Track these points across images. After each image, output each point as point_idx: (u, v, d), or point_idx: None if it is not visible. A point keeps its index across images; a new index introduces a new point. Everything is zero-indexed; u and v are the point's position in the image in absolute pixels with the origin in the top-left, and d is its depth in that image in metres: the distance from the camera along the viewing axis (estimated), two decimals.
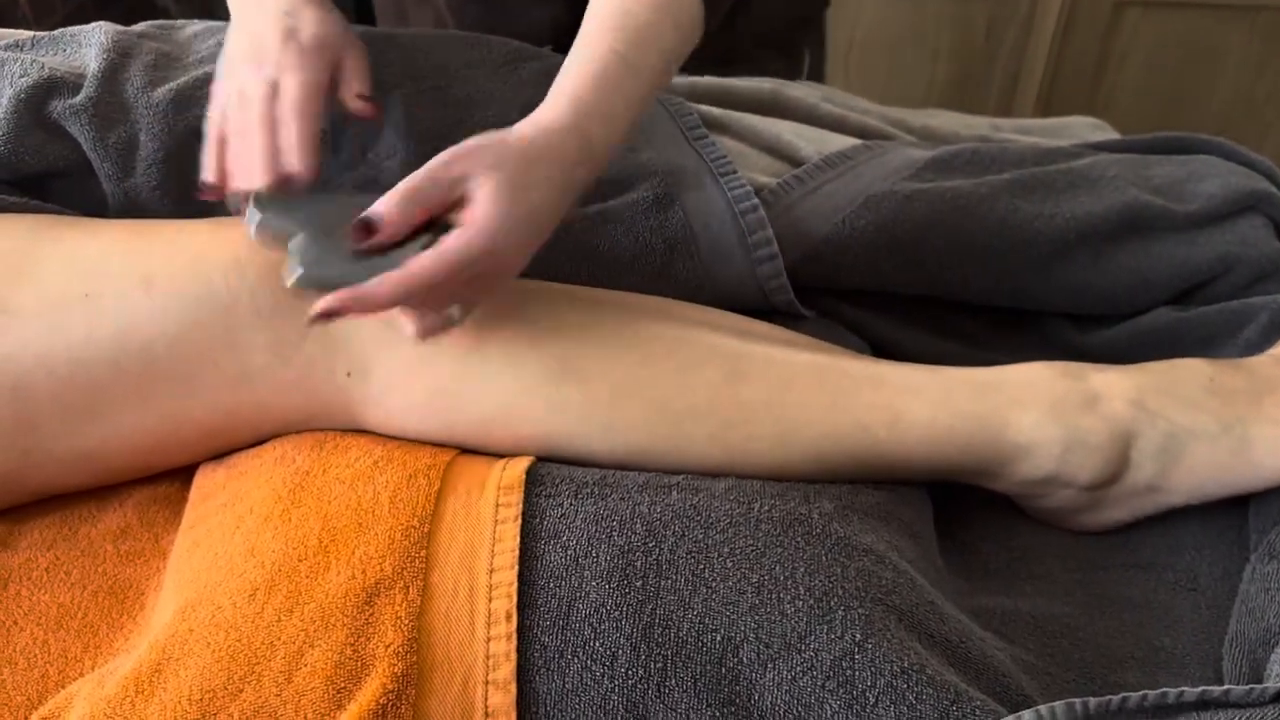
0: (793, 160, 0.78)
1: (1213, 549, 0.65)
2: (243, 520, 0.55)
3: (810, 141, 0.79)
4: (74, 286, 0.59)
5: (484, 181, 0.53)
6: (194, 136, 0.65)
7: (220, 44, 0.70)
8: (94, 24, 0.74)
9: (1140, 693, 0.50)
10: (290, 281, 0.53)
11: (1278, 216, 0.75)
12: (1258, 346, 0.69)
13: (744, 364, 0.61)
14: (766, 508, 0.55)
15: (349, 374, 0.60)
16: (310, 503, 0.55)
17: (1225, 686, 0.51)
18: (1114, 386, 0.62)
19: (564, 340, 0.60)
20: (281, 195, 0.57)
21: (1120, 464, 0.61)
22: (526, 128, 0.57)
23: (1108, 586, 0.62)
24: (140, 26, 0.76)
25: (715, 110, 0.81)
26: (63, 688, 0.55)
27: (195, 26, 0.77)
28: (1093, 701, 0.49)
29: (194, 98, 0.68)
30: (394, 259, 0.53)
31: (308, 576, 0.51)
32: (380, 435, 0.62)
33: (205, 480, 0.63)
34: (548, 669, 0.49)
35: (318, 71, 0.61)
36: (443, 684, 0.49)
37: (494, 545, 0.52)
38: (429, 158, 0.55)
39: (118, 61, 0.70)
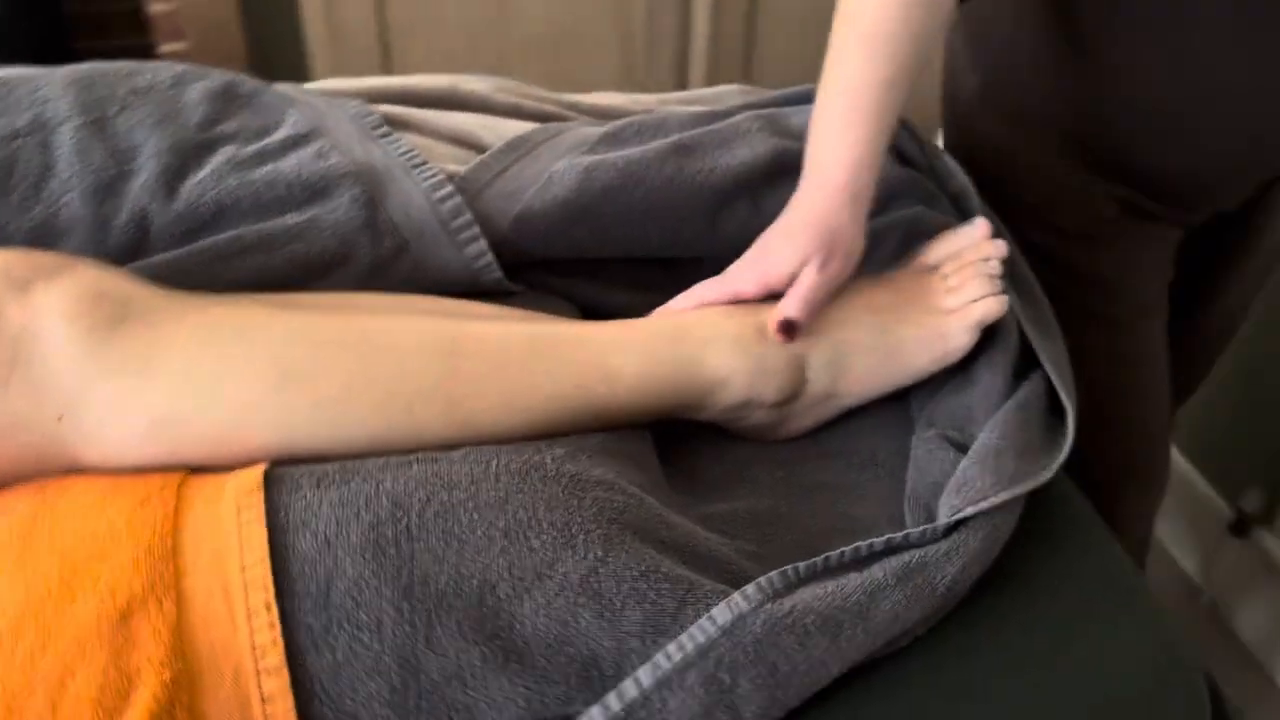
0: (477, 148, 0.83)
1: (886, 430, 0.76)
2: None
3: (490, 130, 0.84)
4: None
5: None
6: None
7: None
8: None
9: (838, 550, 0.59)
10: None
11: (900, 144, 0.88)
12: (896, 260, 0.81)
13: (461, 343, 0.65)
14: (504, 462, 0.60)
15: (60, 418, 0.59)
16: (43, 543, 0.54)
17: (905, 531, 0.61)
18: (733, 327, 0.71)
19: (280, 347, 0.61)
20: None
21: (799, 381, 0.71)
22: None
23: (805, 476, 0.72)
24: None
25: (395, 108, 0.85)
26: None
27: None
28: (802, 566, 0.58)
29: None
30: None
31: (54, 612, 0.51)
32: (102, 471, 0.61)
33: None
34: (316, 647, 0.52)
35: None
36: (214, 683, 0.50)
37: (241, 545, 0.54)
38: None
39: None
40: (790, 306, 0.70)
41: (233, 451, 0.61)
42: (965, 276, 0.73)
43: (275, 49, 2.11)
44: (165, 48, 2.11)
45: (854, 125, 0.71)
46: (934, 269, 0.76)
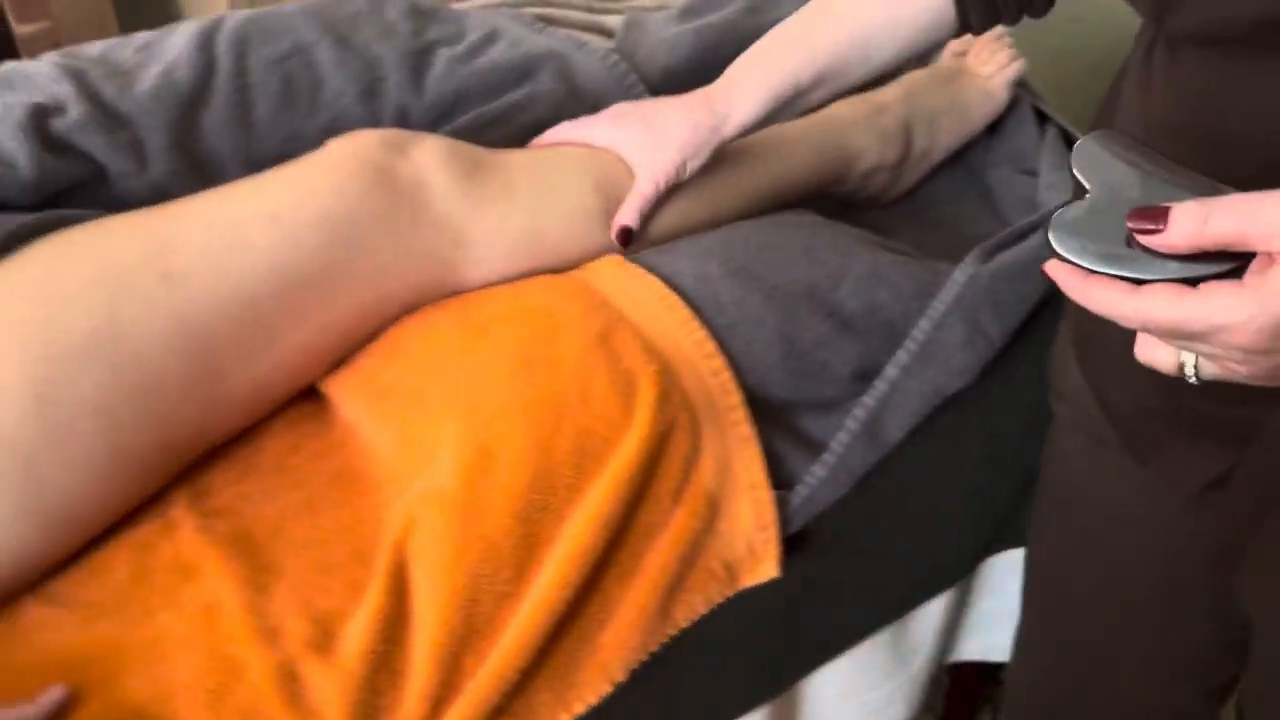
0: (600, 30, 1.03)
1: (959, 185, 1.03)
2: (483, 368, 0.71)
3: (599, 18, 1.05)
4: (219, 241, 0.68)
5: None
6: (189, 123, 0.76)
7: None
8: (21, 62, 0.78)
9: (1013, 226, 0.85)
10: (1050, 228, 0.49)
11: None
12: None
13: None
14: (783, 219, 0.83)
15: (455, 245, 0.76)
16: (495, 324, 0.73)
17: (1043, 211, 0.88)
18: (890, 97, 0.96)
19: (593, 171, 0.81)
20: (1108, 137, 0.53)
21: (908, 144, 0.97)
22: None
23: (924, 220, 0.98)
24: (66, 55, 0.80)
25: (530, 9, 1.03)
26: (359, 544, 0.68)
27: (137, 43, 0.83)
28: (994, 240, 0.84)
29: (173, 90, 0.77)
30: (1163, 262, 0.46)
31: (547, 350, 0.70)
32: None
33: (356, 384, 0.75)
34: (730, 339, 0.73)
35: None
36: (681, 369, 0.71)
37: (649, 283, 0.74)
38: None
39: (82, 80, 0.76)
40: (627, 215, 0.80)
41: (570, 255, 0.80)
42: (991, 50, 1.01)
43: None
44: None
45: (761, 86, 0.78)
46: (962, 55, 1.04)
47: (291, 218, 0.71)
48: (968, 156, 1.05)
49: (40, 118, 0.73)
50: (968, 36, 1.00)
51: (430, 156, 0.76)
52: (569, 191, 0.80)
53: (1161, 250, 0.45)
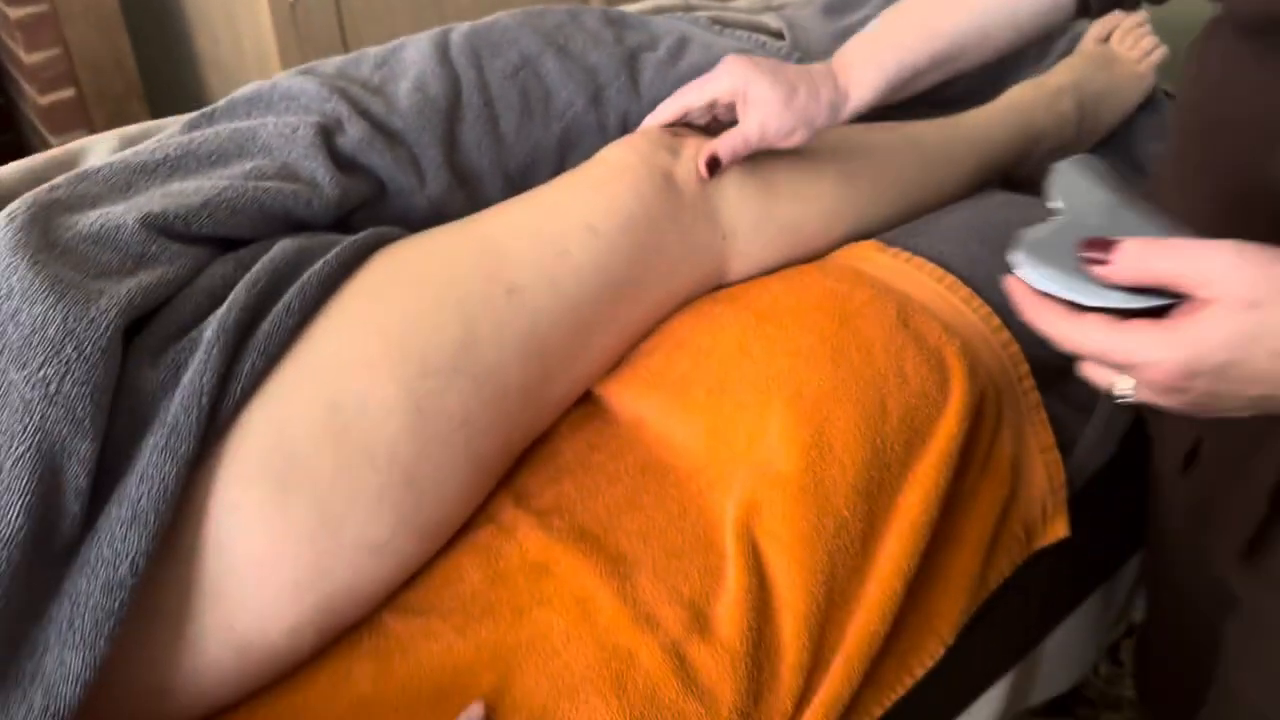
0: (760, 29, 1.07)
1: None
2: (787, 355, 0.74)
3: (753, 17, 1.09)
4: (548, 253, 0.70)
5: (1221, 312, 0.46)
6: (451, 138, 0.77)
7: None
8: (273, 80, 0.78)
9: None
10: (1012, 243, 0.52)
11: None
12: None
13: (923, 152, 0.91)
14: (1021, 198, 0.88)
15: (724, 237, 0.79)
16: (794, 314, 0.75)
17: None
18: (1063, 81, 1.02)
19: (842, 162, 0.84)
20: (1087, 162, 0.56)
21: (1079, 124, 1.02)
22: None
23: None
24: (308, 71, 0.81)
25: (701, 13, 1.06)
26: (696, 530, 0.70)
27: (372, 59, 0.84)
28: None
29: (433, 105, 0.78)
30: (1108, 291, 0.49)
31: (856, 338, 0.73)
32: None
33: (642, 382, 0.77)
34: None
35: None
36: (977, 344, 0.75)
37: (919, 267, 0.78)
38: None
39: (349, 97, 0.77)
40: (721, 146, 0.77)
41: (819, 246, 0.84)
42: (1136, 36, 1.08)
43: (168, 80, 2.07)
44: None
45: (879, 69, 0.77)
46: (1106, 40, 1.10)
47: (606, 226, 0.73)
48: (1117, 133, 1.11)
49: (328, 137, 0.73)
50: (1109, 20, 1.06)
51: (697, 156, 0.79)
52: (825, 186, 0.83)
53: (1106, 281, 0.49)
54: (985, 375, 0.73)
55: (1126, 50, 1.08)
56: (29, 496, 0.50)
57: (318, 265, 0.63)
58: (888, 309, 0.74)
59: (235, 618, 0.57)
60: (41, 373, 0.52)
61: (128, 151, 0.68)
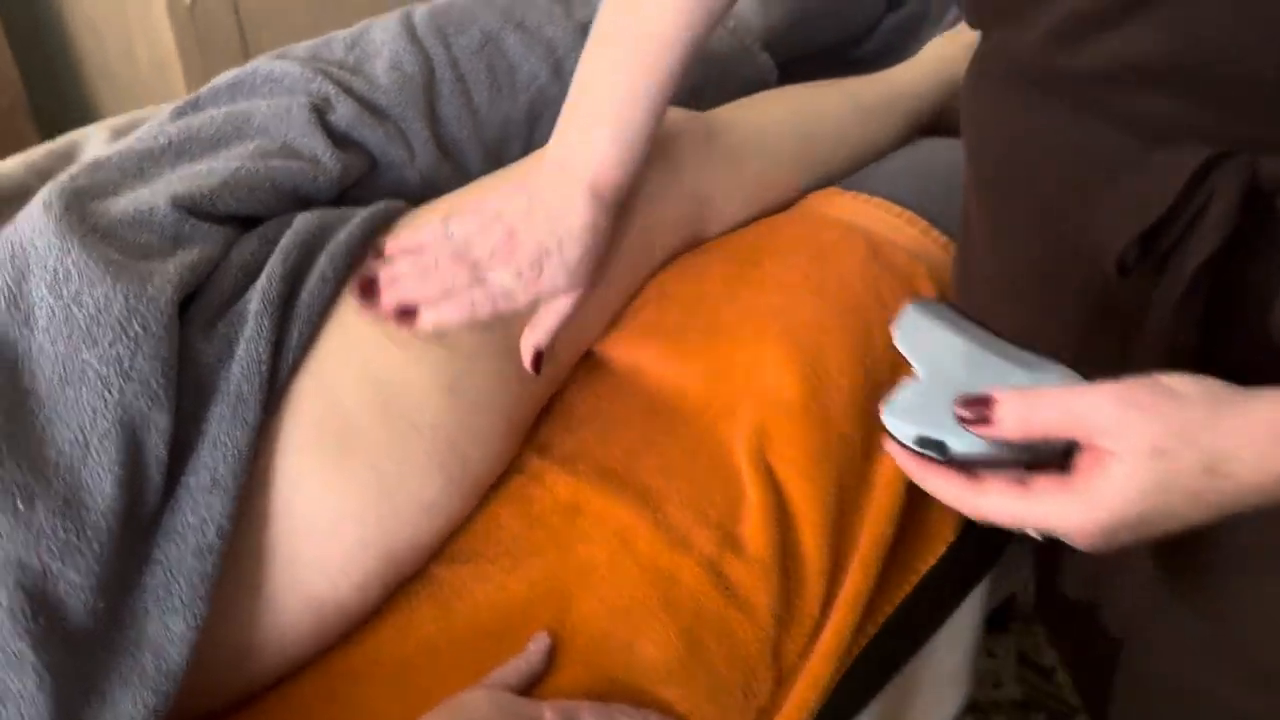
0: None
1: None
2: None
3: None
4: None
5: (1128, 466, 0.44)
6: (432, 112, 0.80)
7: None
8: (255, 64, 0.79)
9: None
10: (883, 414, 0.52)
11: None
12: None
13: (862, 109, 0.98)
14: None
15: (701, 204, 0.84)
16: (774, 255, 0.81)
17: None
18: (951, 46, 1.10)
19: (797, 124, 0.90)
20: (926, 308, 0.56)
21: None
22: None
23: None
24: (284, 55, 0.82)
25: None
26: (711, 461, 0.75)
27: (341, 42, 0.85)
28: None
29: (411, 82, 0.81)
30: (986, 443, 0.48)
31: (837, 268, 0.79)
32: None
33: (636, 334, 0.81)
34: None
35: None
36: (938, 266, 0.82)
37: (879, 206, 0.85)
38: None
39: (331, 77, 0.79)
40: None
41: (785, 198, 0.90)
42: None
43: (55, 93, 2.00)
44: None
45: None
46: None
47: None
48: None
49: (320, 115, 0.75)
50: None
51: (674, 126, 0.84)
52: (785, 143, 0.89)
53: (990, 440, 0.47)
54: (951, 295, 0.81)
55: None
56: (119, 469, 0.52)
57: (342, 235, 0.66)
58: (857, 244, 0.81)
59: (309, 577, 0.60)
60: (114, 350, 0.53)
61: (130, 139, 0.69)
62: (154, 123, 0.74)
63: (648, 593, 0.67)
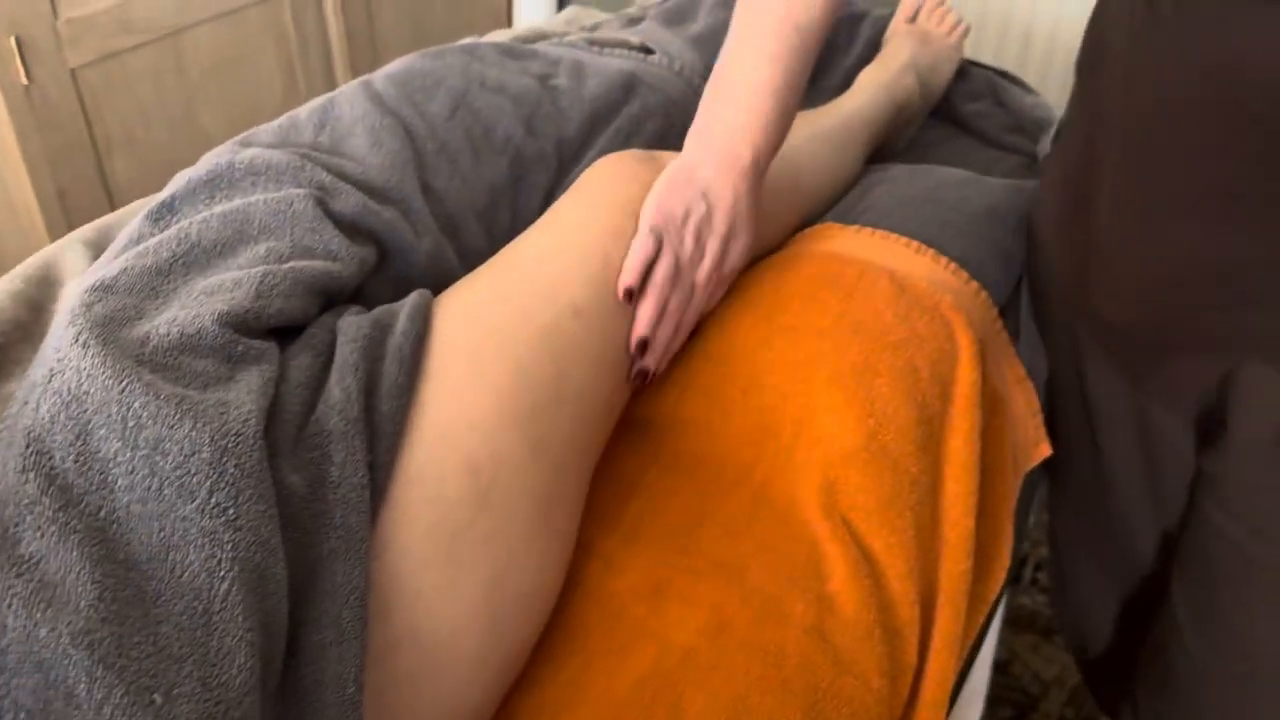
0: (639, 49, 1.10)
1: (940, 128, 1.22)
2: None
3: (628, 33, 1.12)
4: (592, 263, 0.71)
5: None
6: (426, 186, 0.75)
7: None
8: (235, 152, 0.71)
9: None
10: None
11: None
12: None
13: (834, 141, 0.98)
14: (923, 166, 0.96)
15: None
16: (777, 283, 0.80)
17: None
18: (903, 59, 1.13)
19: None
20: None
21: (921, 93, 1.14)
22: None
23: (939, 156, 1.16)
24: (247, 141, 0.75)
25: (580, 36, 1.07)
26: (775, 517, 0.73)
27: (306, 121, 0.78)
28: None
29: (398, 158, 0.76)
30: None
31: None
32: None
33: (673, 394, 0.78)
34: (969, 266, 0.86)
35: None
36: (969, 302, 0.82)
37: (887, 239, 0.85)
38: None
39: (319, 163, 0.72)
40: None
41: (785, 235, 0.89)
42: (940, 14, 1.21)
43: None
44: None
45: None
46: (914, 19, 1.22)
47: (629, 225, 0.73)
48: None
49: (325, 207, 0.69)
50: (913, 2, 1.19)
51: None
52: (775, 176, 0.88)
53: None
54: (975, 322, 0.81)
55: (935, 26, 1.21)
56: (248, 634, 0.45)
57: (397, 336, 0.60)
58: (881, 278, 0.80)
59: (436, 700, 0.54)
60: (213, 500, 0.46)
61: (123, 258, 0.60)
62: (134, 232, 0.65)
63: (760, 674, 0.64)
